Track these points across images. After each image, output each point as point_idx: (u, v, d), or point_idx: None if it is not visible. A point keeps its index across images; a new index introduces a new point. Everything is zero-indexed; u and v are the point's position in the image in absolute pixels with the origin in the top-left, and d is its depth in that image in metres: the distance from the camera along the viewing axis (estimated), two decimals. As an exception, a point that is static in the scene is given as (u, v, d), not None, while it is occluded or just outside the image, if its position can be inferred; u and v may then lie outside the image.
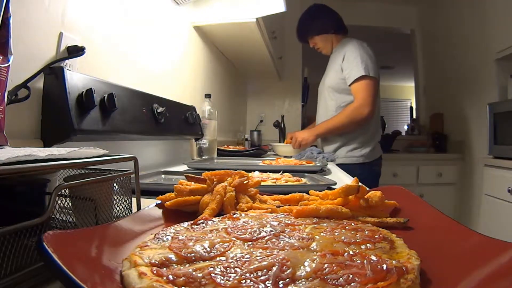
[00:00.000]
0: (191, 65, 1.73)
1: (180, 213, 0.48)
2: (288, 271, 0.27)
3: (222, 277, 0.25)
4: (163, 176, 0.96)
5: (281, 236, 0.35)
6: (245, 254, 0.30)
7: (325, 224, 0.40)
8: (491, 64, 2.40)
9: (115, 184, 0.43)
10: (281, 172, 0.98)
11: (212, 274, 0.26)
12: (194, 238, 0.34)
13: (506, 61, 2.30)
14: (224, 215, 0.43)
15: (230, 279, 0.25)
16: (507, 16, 2.16)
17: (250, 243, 0.33)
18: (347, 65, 1.73)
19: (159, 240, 0.33)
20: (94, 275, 0.27)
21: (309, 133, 1.85)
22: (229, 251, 0.31)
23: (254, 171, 1.02)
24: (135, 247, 0.32)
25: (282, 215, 0.44)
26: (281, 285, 0.25)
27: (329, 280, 0.25)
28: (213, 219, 0.42)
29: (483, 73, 2.53)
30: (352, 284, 0.25)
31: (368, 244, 0.33)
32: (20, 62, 0.66)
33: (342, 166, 1.51)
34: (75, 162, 0.36)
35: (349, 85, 1.73)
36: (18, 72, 0.66)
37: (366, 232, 0.37)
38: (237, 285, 0.24)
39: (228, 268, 0.27)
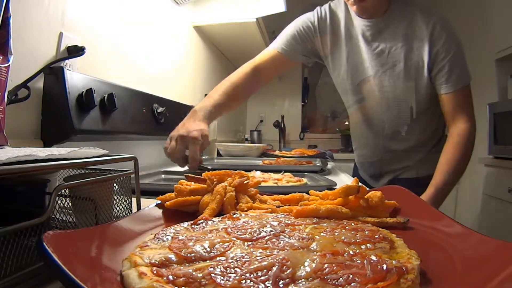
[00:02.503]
0: (191, 65, 1.73)
1: (180, 213, 0.48)
2: (288, 271, 0.27)
3: (222, 277, 0.25)
4: (163, 176, 0.96)
5: (281, 236, 0.35)
6: (245, 254, 0.30)
7: (325, 224, 0.40)
8: (491, 64, 2.40)
9: (115, 184, 0.43)
10: (282, 172, 0.98)
11: (212, 274, 0.26)
12: (194, 238, 0.34)
13: (506, 61, 2.30)
14: (224, 215, 0.43)
15: (230, 279, 0.25)
16: (507, 16, 2.16)
17: (250, 243, 0.33)
18: (451, 59, 1.04)
19: (159, 240, 0.33)
20: (94, 275, 0.26)
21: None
22: (229, 251, 0.31)
23: (254, 170, 1.02)
24: (135, 247, 0.32)
25: (282, 215, 0.44)
26: (281, 285, 0.25)
27: (329, 280, 0.25)
28: (213, 219, 0.42)
29: (483, 73, 2.52)
30: (352, 284, 0.25)
31: (368, 244, 0.33)
32: (20, 62, 0.66)
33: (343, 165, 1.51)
34: (75, 162, 0.36)
35: (448, 93, 1.08)
36: (18, 72, 0.66)
37: (366, 232, 0.37)
38: (237, 285, 0.24)
39: (228, 268, 0.27)
